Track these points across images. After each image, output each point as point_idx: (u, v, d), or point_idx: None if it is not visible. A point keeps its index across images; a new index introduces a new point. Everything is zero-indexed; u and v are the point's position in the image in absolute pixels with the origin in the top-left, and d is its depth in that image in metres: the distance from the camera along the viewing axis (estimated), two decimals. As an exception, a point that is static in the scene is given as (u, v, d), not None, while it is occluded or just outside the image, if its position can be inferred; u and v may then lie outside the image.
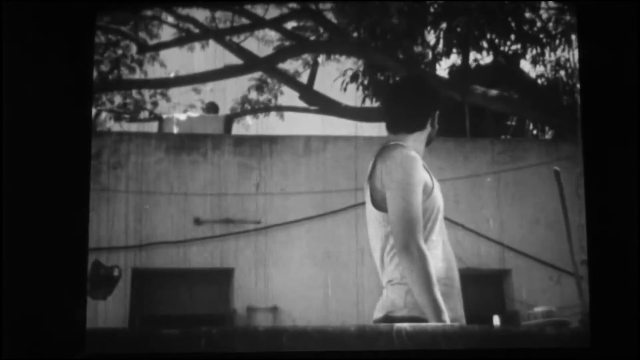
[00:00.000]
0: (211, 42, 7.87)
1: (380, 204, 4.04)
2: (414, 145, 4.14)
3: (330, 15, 7.88)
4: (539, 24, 7.96)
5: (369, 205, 4.09)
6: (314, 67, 8.16)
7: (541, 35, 7.94)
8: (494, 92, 7.71)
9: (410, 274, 3.89)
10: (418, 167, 4.00)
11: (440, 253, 4.06)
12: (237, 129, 8.06)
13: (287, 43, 8.03)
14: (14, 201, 4.53)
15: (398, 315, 4.00)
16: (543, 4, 7.87)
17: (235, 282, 7.14)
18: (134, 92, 7.89)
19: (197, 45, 7.91)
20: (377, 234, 4.09)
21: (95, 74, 7.04)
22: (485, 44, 8.05)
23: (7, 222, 4.49)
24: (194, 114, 7.94)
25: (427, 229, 4.05)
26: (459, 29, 7.94)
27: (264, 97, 8.25)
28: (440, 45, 8.09)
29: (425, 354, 4.06)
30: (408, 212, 3.92)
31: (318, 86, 8.11)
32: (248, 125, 8.14)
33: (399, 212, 3.94)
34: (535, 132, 8.33)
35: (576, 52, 5.36)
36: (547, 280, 7.19)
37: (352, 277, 6.90)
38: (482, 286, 7.27)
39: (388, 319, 4.03)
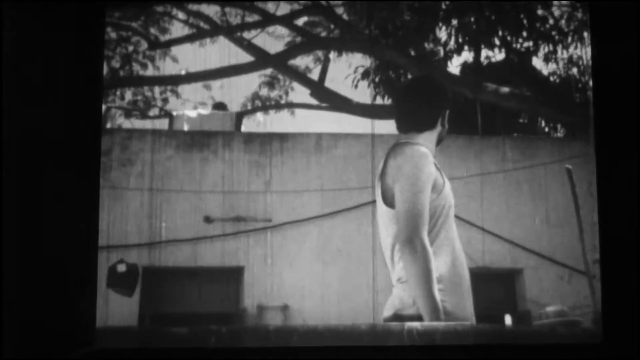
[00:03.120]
0: (222, 38, 7.86)
1: (390, 201, 4.05)
2: (425, 144, 4.14)
3: (341, 11, 7.86)
4: (551, 22, 7.93)
5: (380, 203, 4.10)
6: (325, 64, 8.14)
7: (553, 33, 7.90)
8: (505, 89, 7.69)
9: (410, 268, 3.90)
10: (428, 163, 4.01)
11: (449, 250, 4.06)
12: (248, 125, 8.03)
13: (298, 39, 8.01)
14: (24, 198, 4.52)
15: (407, 314, 4.00)
16: (555, 2, 7.84)
17: (246, 281, 7.13)
18: (145, 89, 7.87)
19: (208, 41, 7.89)
20: (388, 232, 4.09)
21: (106, 70, 7.03)
22: (497, 41, 8.02)
23: (17, 219, 4.49)
24: (205, 110, 7.92)
25: (438, 226, 4.05)
26: (471, 26, 7.92)
27: (274, 94, 8.22)
28: (452, 42, 8.06)
29: (436, 353, 4.04)
30: (415, 206, 3.93)
31: (329, 83, 8.09)
32: (259, 122, 8.12)
33: (406, 205, 3.95)
34: (547, 129, 8.30)
35: (589, 49, 5.33)
36: (558, 280, 7.16)
37: (364, 275, 6.88)
38: (493, 285, 7.25)
39: (397, 317, 4.03)
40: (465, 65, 8.14)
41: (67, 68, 4.75)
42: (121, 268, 6.73)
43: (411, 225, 3.93)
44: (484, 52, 8.09)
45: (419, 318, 3.98)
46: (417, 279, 3.90)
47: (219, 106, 8.04)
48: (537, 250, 7.29)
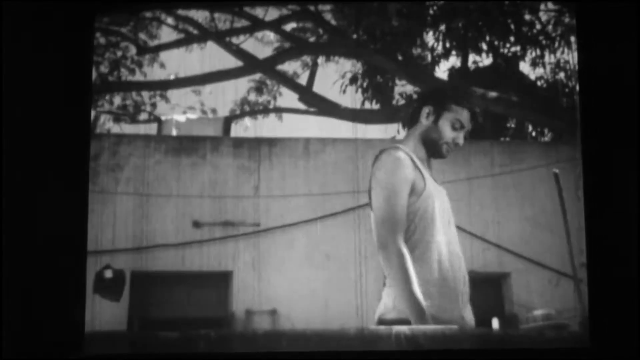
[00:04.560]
0: (210, 43, 7.87)
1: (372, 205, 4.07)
2: (413, 144, 4.17)
3: (329, 17, 7.88)
4: (538, 26, 7.95)
5: (369, 209, 4.12)
6: (313, 69, 8.15)
7: (540, 37, 7.93)
8: (493, 94, 7.70)
9: (389, 272, 3.92)
10: (402, 167, 4.01)
11: (434, 254, 4.06)
12: (236, 130, 8.05)
13: (286, 45, 8.03)
14: (13, 203, 4.52)
15: (388, 318, 4.03)
16: (542, 6, 7.86)
17: (234, 285, 7.13)
18: (134, 94, 7.88)
19: (196, 46, 7.90)
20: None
21: (94, 75, 7.04)
22: (484, 46, 8.05)
23: (6, 224, 4.49)
24: (193, 115, 7.93)
25: (420, 230, 4.05)
26: (458, 31, 7.94)
27: (263, 99, 8.24)
28: (439, 47, 8.08)
29: (424, 357, 4.06)
30: (387, 212, 3.94)
31: (317, 88, 8.10)
32: (247, 127, 8.13)
33: (379, 211, 3.97)
34: (534, 134, 8.32)
35: (575, 54, 5.35)
36: (546, 283, 7.18)
37: (352, 279, 6.90)
38: (481, 289, 7.24)
39: (380, 321, 4.06)
40: (452, 70, 8.17)
41: (57, 73, 4.75)
42: (108, 274, 6.74)
43: (385, 231, 3.95)
44: (472, 57, 8.11)
45: (400, 322, 3.99)
46: (395, 282, 3.92)
47: None
48: (524, 254, 7.31)
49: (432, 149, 4.26)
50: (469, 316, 4.18)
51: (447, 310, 4.04)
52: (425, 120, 4.24)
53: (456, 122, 4.25)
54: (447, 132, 4.26)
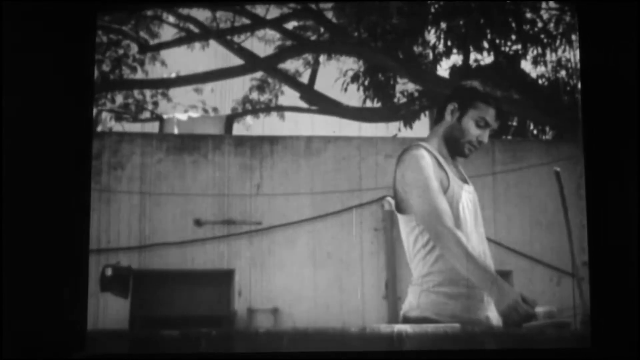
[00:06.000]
0: (212, 42, 7.88)
1: (400, 206, 4.08)
2: (436, 142, 4.19)
3: (330, 15, 7.89)
4: (539, 25, 7.95)
5: (395, 210, 4.14)
6: (314, 67, 8.15)
7: (542, 36, 7.93)
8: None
9: (450, 256, 3.92)
10: (425, 164, 4.04)
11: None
12: (238, 128, 8.04)
13: (287, 43, 8.03)
14: (15, 201, 4.53)
15: (412, 316, 4.05)
16: (544, 5, 7.87)
17: (236, 284, 7.14)
18: (135, 92, 7.88)
19: (197, 45, 7.91)
20: (408, 239, 4.12)
21: (96, 73, 7.04)
22: (485, 44, 8.05)
23: (7, 222, 4.50)
24: (195, 114, 7.93)
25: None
26: (459, 29, 7.95)
27: (264, 97, 8.24)
28: (441, 46, 8.09)
29: (425, 355, 4.07)
30: (428, 205, 3.98)
31: (319, 86, 8.10)
32: (249, 125, 8.13)
33: (421, 208, 3.99)
34: (535, 132, 8.32)
35: (577, 52, 5.36)
36: (547, 282, 7.18)
37: (354, 278, 6.90)
38: (482, 287, 7.25)
39: (404, 319, 4.09)
40: (454, 68, 8.17)
41: (59, 71, 4.76)
42: (108, 272, 6.74)
43: (433, 221, 3.98)
44: (473, 55, 8.11)
45: (422, 320, 4.01)
46: (459, 262, 3.94)
47: None
48: (525, 253, 7.31)
49: (454, 147, 4.27)
50: (494, 316, 4.20)
51: (471, 309, 4.05)
52: (449, 117, 4.26)
53: (481, 120, 4.27)
54: (471, 129, 4.28)
